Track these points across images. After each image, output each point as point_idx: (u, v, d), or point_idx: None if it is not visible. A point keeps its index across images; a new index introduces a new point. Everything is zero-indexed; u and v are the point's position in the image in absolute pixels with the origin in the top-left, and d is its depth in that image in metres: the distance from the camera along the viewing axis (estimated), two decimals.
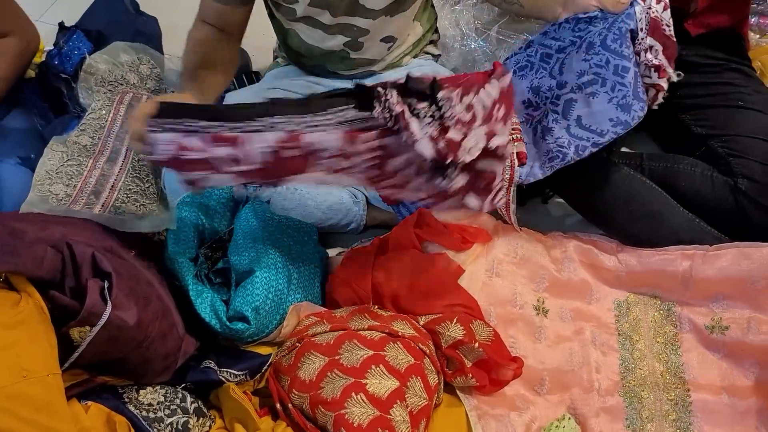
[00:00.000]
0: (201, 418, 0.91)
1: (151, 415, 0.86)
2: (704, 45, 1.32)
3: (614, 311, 1.24)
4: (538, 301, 1.21)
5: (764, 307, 1.13)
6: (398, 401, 0.91)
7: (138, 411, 0.85)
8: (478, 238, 1.19)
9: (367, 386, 0.91)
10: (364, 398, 0.89)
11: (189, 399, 0.91)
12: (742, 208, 1.19)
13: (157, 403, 0.88)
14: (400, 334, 1.00)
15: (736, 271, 1.15)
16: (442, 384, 1.05)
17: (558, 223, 1.40)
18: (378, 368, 0.94)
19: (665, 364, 1.17)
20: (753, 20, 1.52)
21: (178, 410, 0.89)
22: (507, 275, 1.20)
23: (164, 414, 0.87)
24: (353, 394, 0.90)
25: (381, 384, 0.92)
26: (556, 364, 1.16)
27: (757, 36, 1.52)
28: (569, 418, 1.11)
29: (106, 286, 0.77)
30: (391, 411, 0.89)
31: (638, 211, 1.22)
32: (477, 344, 1.04)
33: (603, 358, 1.18)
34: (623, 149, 1.42)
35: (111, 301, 0.76)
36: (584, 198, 1.26)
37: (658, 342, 1.20)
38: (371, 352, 0.96)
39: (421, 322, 1.07)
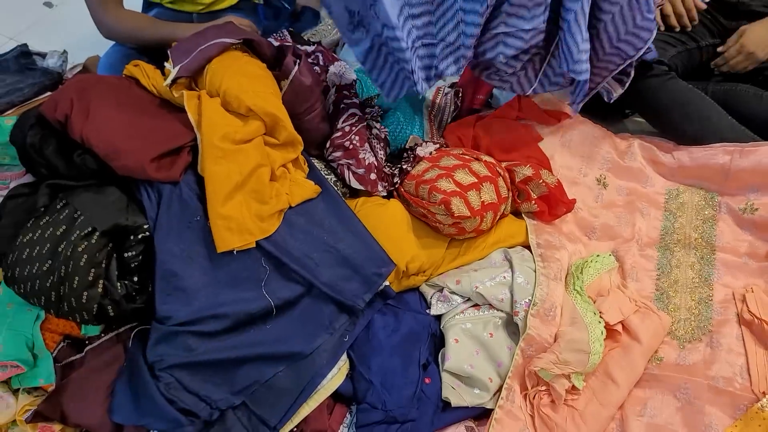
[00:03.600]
0: None
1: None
2: None
3: (665, 195, 1.53)
4: (600, 176, 1.54)
5: None
6: (474, 190, 1.29)
7: None
8: (561, 117, 1.55)
9: (455, 176, 1.30)
10: (451, 180, 1.29)
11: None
12: None
13: None
14: (483, 159, 1.39)
15: (766, 163, 1.41)
16: (510, 202, 1.40)
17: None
18: (463, 170, 1.32)
19: (700, 233, 1.45)
20: None
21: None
22: (576, 151, 1.54)
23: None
24: (444, 177, 1.30)
25: (464, 178, 1.31)
26: (605, 220, 1.48)
27: None
28: (610, 255, 1.42)
29: (297, 61, 1.26)
30: (468, 192, 1.28)
31: (691, 114, 1.52)
32: (542, 181, 1.40)
33: (647, 223, 1.48)
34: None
35: (298, 67, 1.24)
36: (650, 103, 1.57)
37: (697, 218, 1.47)
38: (461, 162, 1.35)
39: (504, 165, 1.45)
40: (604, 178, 1.54)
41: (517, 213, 1.45)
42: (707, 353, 1.26)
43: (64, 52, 1.96)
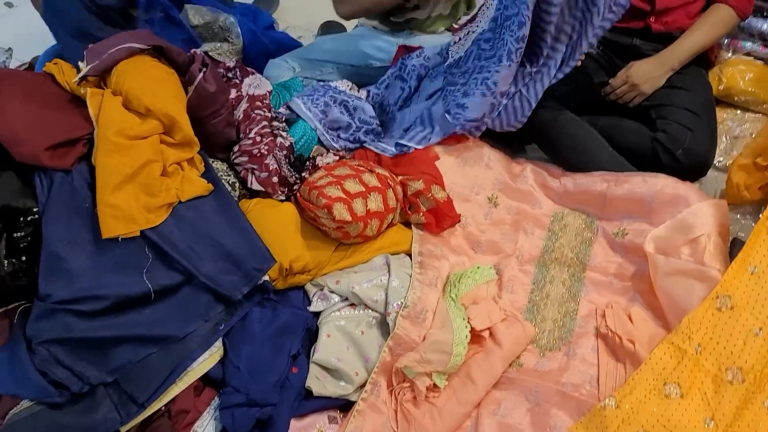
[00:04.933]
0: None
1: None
2: (662, 42, 1.74)
3: (551, 217, 1.64)
4: (492, 195, 1.65)
5: (656, 222, 1.51)
6: (361, 198, 1.39)
7: None
8: (461, 139, 1.67)
9: (344, 184, 1.40)
10: (339, 188, 1.39)
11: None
12: (656, 153, 1.60)
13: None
14: (377, 171, 1.50)
15: (638, 193, 1.53)
16: (399, 212, 1.51)
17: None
18: (354, 180, 1.42)
19: (576, 253, 1.56)
20: (725, 40, 1.91)
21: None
22: (471, 171, 1.66)
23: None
24: (333, 185, 1.40)
25: (353, 186, 1.41)
26: (491, 236, 1.59)
27: (729, 54, 1.91)
28: (490, 268, 1.53)
29: (203, 69, 1.36)
30: (354, 199, 1.38)
31: (576, 146, 1.65)
32: (431, 196, 1.51)
33: (529, 242, 1.59)
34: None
35: (203, 75, 1.34)
36: (541, 134, 1.70)
37: (576, 240, 1.59)
38: (353, 172, 1.45)
39: (399, 178, 1.56)
40: (496, 198, 1.65)
41: (408, 223, 1.55)
42: (563, 362, 1.36)
43: (9, 49, 2.04)
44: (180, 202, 1.27)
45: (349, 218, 1.35)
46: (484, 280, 1.48)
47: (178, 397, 1.18)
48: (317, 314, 1.37)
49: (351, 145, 1.66)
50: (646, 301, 1.44)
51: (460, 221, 1.55)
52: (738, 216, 1.58)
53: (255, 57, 1.83)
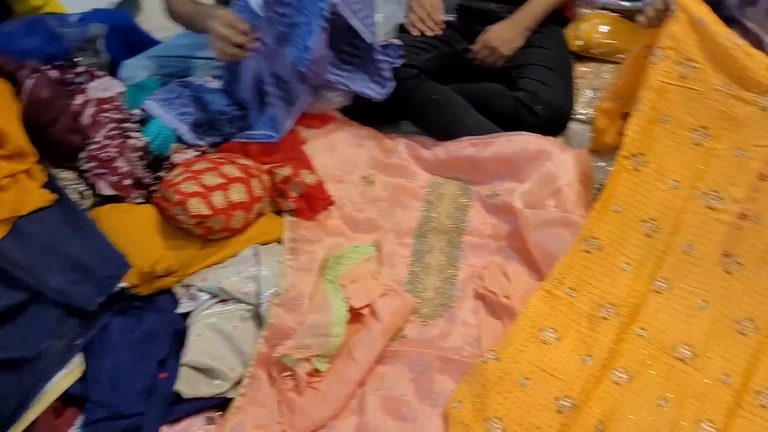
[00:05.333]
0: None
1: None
2: (517, 4, 1.76)
3: (427, 188, 1.64)
4: (366, 174, 1.64)
5: (524, 179, 1.52)
6: (221, 190, 1.35)
7: None
8: (327, 120, 1.65)
9: (202, 178, 1.35)
10: (195, 182, 1.34)
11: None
12: (518, 112, 1.62)
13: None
14: (240, 162, 1.45)
15: (504, 153, 1.55)
16: (268, 201, 1.47)
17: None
18: (212, 173, 1.37)
19: (453, 219, 1.56)
20: None
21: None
22: (342, 152, 1.64)
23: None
24: (189, 180, 1.34)
25: (211, 180, 1.36)
26: (369, 214, 1.57)
27: (584, 9, 1.95)
28: (368, 245, 1.51)
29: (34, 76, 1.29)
30: (213, 192, 1.33)
31: (442, 112, 1.66)
32: (300, 181, 1.48)
33: (407, 214, 1.59)
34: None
35: (35, 81, 1.27)
36: (406, 105, 1.69)
37: (452, 207, 1.59)
38: (212, 165, 1.41)
39: (266, 167, 1.52)
40: (371, 176, 1.64)
41: (281, 212, 1.52)
42: (445, 327, 1.36)
43: None
44: (19, 216, 1.20)
45: (207, 212, 1.30)
46: (362, 258, 1.46)
47: (37, 422, 1.11)
48: (187, 316, 1.32)
49: (218, 140, 1.60)
50: (522, 257, 1.46)
51: (333, 203, 1.53)
52: (605, 164, 1.62)
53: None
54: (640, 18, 1.37)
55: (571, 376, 1.19)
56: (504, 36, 1.69)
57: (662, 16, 1.32)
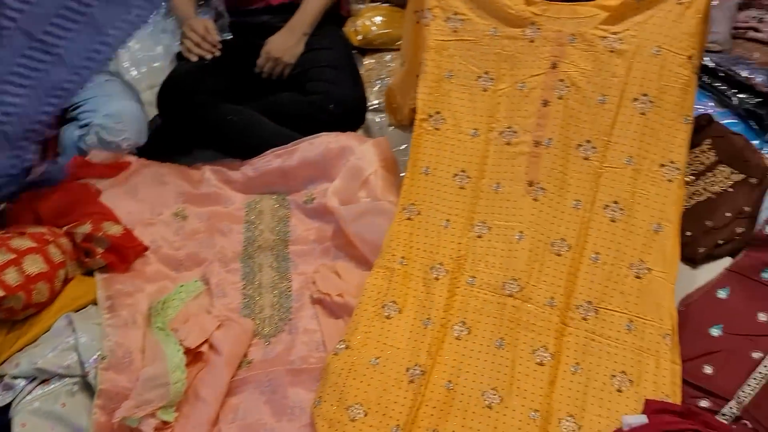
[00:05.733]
0: None
1: None
2: (289, 12, 1.79)
3: (245, 209, 1.62)
4: (178, 210, 1.59)
5: (334, 178, 1.55)
6: (13, 266, 1.24)
7: None
8: (122, 167, 1.57)
9: None
10: None
11: None
12: (314, 114, 1.65)
13: None
14: (29, 231, 1.35)
15: (309, 157, 1.57)
16: (73, 265, 1.38)
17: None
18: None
19: (277, 233, 1.56)
20: None
21: None
22: (145, 194, 1.57)
23: None
24: None
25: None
26: (190, 250, 1.52)
27: (358, 5, 2.03)
28: (195, 281, 1.47)
29: None
30: (4, 271, 1.22)
31: (241, 131, 1.65)
32: (103, 234, 1.40)
33: (228, 240, 1.56)
34: None
35: None
36: (204, 131, 1.67)
37: (274, 222, 1.59)
38: None
39: (63, 229, 1.42)
40: (183, 211, 1.59)
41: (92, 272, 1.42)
42: (288, 341, 1.35)
43: None
44: None
45: (1, 293, 1.19)
46: (191, 297, 1.41)
47: None
48: (8, 408, 1.20)
49: None
50: (348, 253, 1.49)
51: (148, 248, 1.46)
52: None
53: None
54: None
55: (416, 344, 1.22)
56: (284, 45, 1.71)
57: None
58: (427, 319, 1.26)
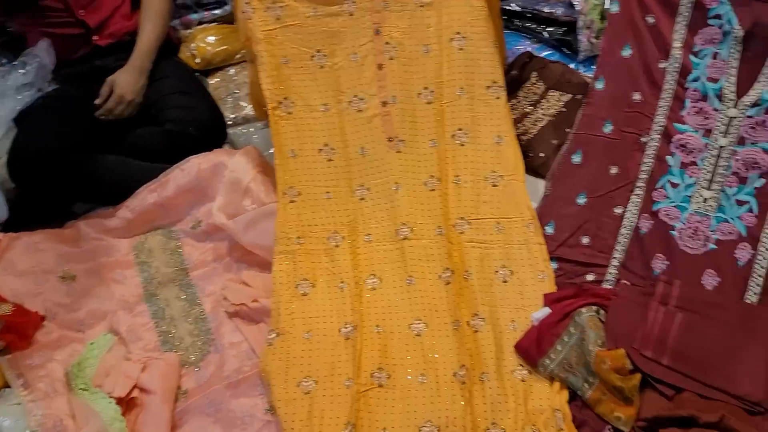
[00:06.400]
0: None
1: None
2: (122, 50, 1.76)
3: (133, 252, 1.61)
4: (64, 272, 1.53)
5: (213, 195, 1.57)
6: None
7: None
8: None
9: None
10: None
11: None
12: (174, 142, 1.66)
13: None
14: None
15: (184, 184, 1.58)
16: None
17: None
18: None
19: (173, 265, 1.56)
20: (176, 22, 2.03)
21: None
22: (25, 268, 1.50)
23: None
24: None
25: None
26: (89, 307, 1.49)
27: (186, 30, 2.04)
28: (105, 335, 1.44)
29: None
30: None
31: (108, 175, 1.63)
32: None
33: (125, 286, 1.54)
34: None
35: None
36: (72, 186, 1.62)
37: (167, 255, 1.58)
38: None
39: None
40: (69, 272, 1.54)
41: None
42: (217, 360, 1.37)
43: None
44: None
45: None
46: (105, 350, 1.39)
47: None
48: None
49: None
50: (249, 261, 1.53)
51: (44, 318, 1.41)
52: None
53: None
54: None
55: (339, 306, 1.33)
56: (128, 83, 1.69)
57: None
58: (341, 282, 1.36)
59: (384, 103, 1.46)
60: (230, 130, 1.81)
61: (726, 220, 1.29)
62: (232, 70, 1.98)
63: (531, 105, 1.79)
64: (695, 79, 1.33)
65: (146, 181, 1.60)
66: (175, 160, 1.63)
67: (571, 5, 1.98)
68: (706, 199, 1.31)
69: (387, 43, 1.46)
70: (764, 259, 1.24)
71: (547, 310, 1.23)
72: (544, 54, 1.99)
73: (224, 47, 1.99)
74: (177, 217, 1.62)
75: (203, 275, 1.53)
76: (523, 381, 1.22)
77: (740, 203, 1.28)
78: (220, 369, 1.35)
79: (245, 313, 1.42)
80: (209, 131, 1.68)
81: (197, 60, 1.96)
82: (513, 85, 1.85)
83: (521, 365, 1.24)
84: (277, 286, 1.35)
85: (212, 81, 1.96)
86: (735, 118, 1.28)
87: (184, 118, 1.66)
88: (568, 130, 1.58)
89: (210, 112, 1.72)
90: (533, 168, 1.63)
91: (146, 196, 1.60)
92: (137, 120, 1.75)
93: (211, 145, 1.65)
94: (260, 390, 1.29)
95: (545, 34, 2.03)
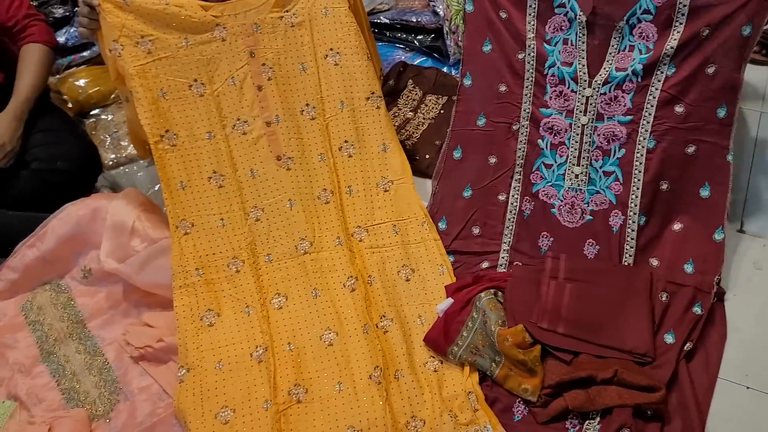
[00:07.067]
0: None
1: None
2: None
3: (22, 313, 1.52)
4: None
5: (97, 241, 1.50)
6: None
7: None
8: None
9: None
10: None
11: None
12: (46, 180, 1.61)
13: None
14: None
15: (62, 233, 1.48)
16: None
17: None
18: None
19: (67, 319, 1.48)
20: None
21: None
22: None
23: None
24: None
25: None
26: None
27: (54, 77, 1.97)
28: (3, 402, 1.35)
29: None
30: None
31: None
32: None
33: (20, 350, 1.44)
34: None
35: None
36: None
37: (59, 310, 1.50)
38: None
39: None
40: None
41: None
42: (128, 407, 1.32)
43: None
44: None
45: None
46: (5, 419, 1.31)
47: None
48: None
49: None
50: (148, 302, 1.48)
51: None
52: None
53: None
54: (81, 29, 1.41)
55: (248, 331, 1.33)
56: (9, 131, 1.60)
57: (94, 16, 1.37)
58: (247, 307, 1.37)
59: (268, 123, 1.48)
60: (113, 171, 1.76)
61: (597, 192, 1.39)
62: (108, 111, 1.92)
63: (411, 111, 1.86)
64: (551, 65, 1.43)
65: (22, 234, 1.52)
66: (52, 203, 1.55)
67: (436, 13, 2.09)
68: (577, 175, 1.41)
69: (263, 64, 1.48)
70: (633, 222, 1.34)
71: (449, 301, 1.28)
72: (418, 61, 2.08)
73: (97, 88, 1.94)
74: (64, 268, 1.55)
75: (101, 324, 1.47)
76: (435, 371, 1.26)
77: (607, 174, 1.38)
78: (132, 416, 1.30)
79: (151, 355, 1.38)
80: (80, 165, 1.63)
81: (69, 105, 1.89)
82: (392, 94, 1.92)
83: (432, 357, 1.28)
84: (181, 321, 1.32)
85: (89, 122, 1.90)
86: (591, 96, 1.39)
87: (52, 154, 1.60)
88: (447, 129, 1.66)
89: (80, 149, 1.66)
90: (421, 170, 1.70)
91: (26, 252, 1.52)
92: (14, 169, 1.67)
93: (85, 181, 1.60)
94: (177, 430, 1.26)
95: (416, 43, 2.12)
